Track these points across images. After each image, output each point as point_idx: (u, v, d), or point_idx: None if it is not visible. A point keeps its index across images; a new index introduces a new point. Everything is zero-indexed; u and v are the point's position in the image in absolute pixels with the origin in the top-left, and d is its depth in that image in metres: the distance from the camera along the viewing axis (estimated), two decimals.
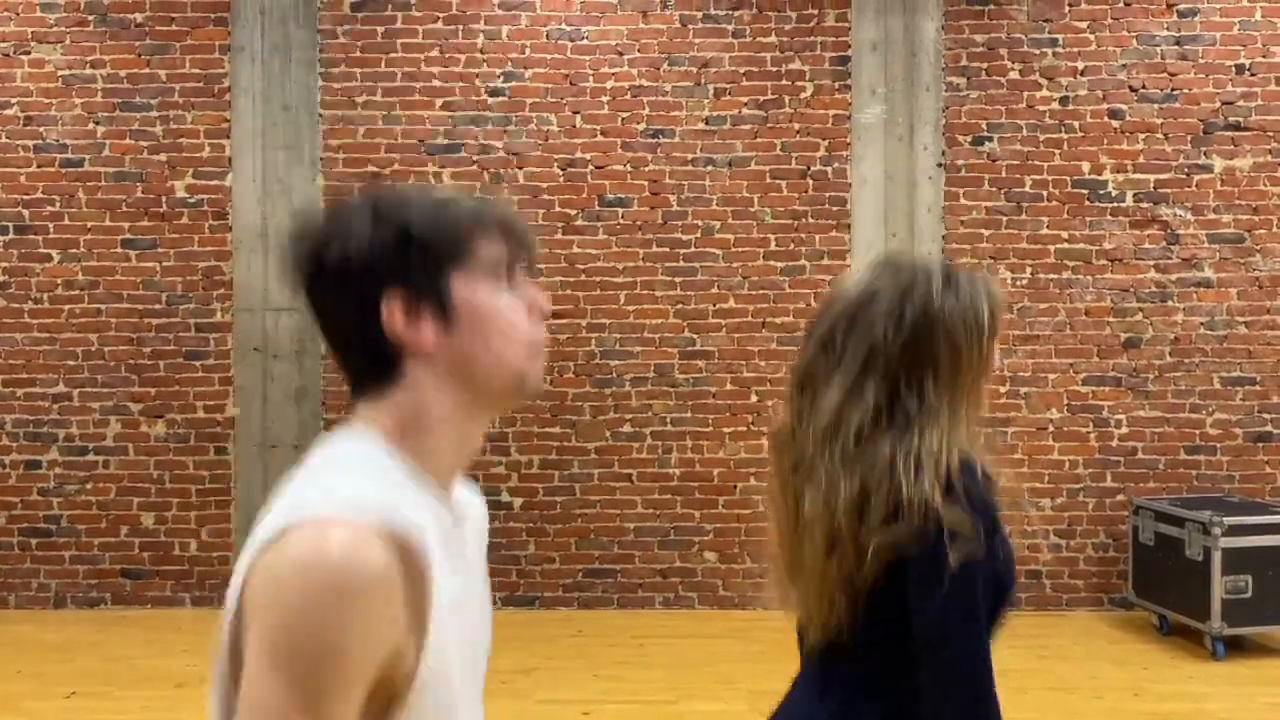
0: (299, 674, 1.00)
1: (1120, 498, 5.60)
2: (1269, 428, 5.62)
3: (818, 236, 5.67)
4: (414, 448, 1.13)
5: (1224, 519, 4.79)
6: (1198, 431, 5.62)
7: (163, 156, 5.70)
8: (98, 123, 5.69)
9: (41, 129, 5.69)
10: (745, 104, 5.67)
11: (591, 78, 5.68)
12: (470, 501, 1.27)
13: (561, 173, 5.69)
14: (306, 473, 1.12)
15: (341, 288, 1.12)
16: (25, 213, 5.70)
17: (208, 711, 1.13)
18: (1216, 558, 4.76)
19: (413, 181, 5.60)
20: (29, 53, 5.69)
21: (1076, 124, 5.62)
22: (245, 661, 1.04)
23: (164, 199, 5.70)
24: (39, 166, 5.70)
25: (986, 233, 5.65)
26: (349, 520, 1.02)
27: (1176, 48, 5.60)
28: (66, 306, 5.70)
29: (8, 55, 5.69)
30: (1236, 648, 4.91)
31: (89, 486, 5.69)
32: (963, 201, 5.64)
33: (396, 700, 1.06)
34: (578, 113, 5.68)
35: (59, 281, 5.70)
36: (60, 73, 5.69)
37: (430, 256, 1.11)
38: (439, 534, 1.12)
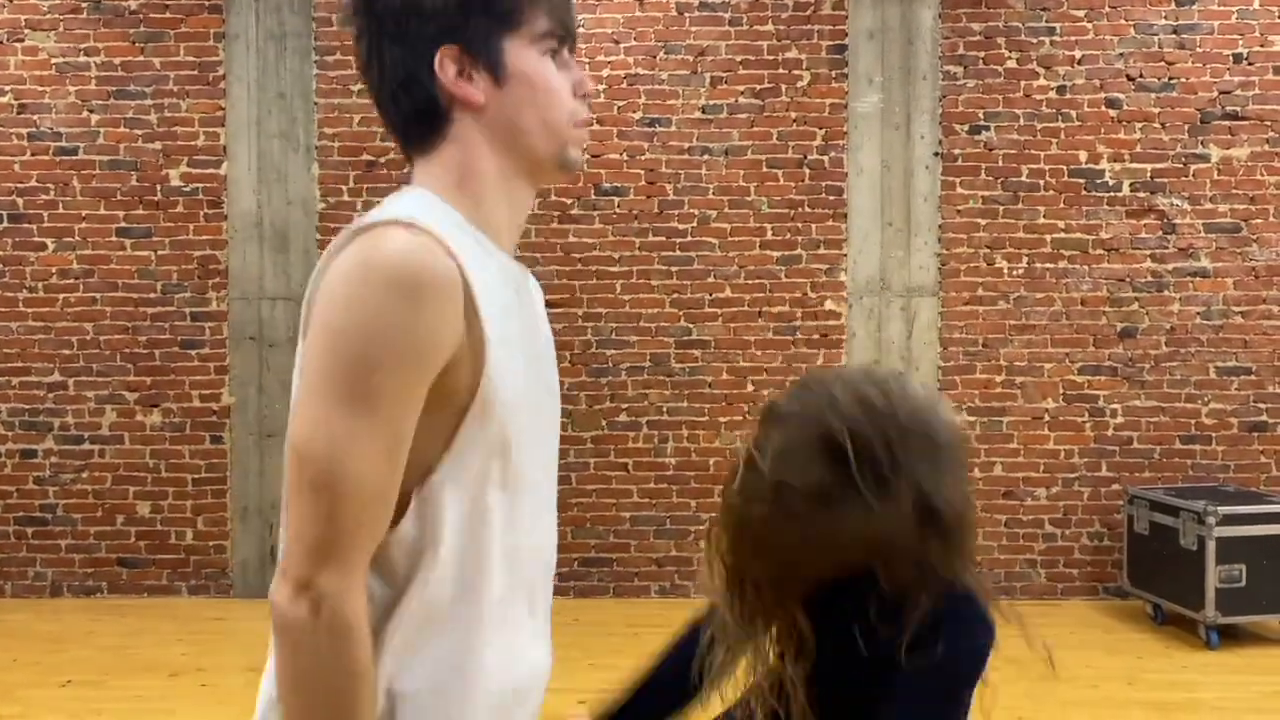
0: (352, 360, 1.03)
1: (1115, 487, 5.61)
2: (1264, 417, 5.62)
3: (814, 226, 5.66)
4: (470, 202, 1.17)
5: (1218, 508, 4.80)
6: (1193, 421, 5.63)
7: (157, 144, 5.68)
8: (92, 111, 5.67)
9: (35, 117, 5.67)
10: (742, 92, 5.65)
11: (587, 66, 5.65)
12: (531, 280, 1.29)
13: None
14: (377, 208, 1.16)
15: (399, 34, 1.16)
16: (19, 201, 5.68)
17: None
18: (1211, 547, 4.77)
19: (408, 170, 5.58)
20: (22, 40, 5.67)
21: (1073, 113, 5.61)
22: (303, 360, 1.08)
23: (159, 187, 5.69)
24: (33, 154, 5.67)
25: (983, 222, 5.64)
26: (412, 225, 1.07)
27: (1174, 36, 5.59)
28: (61, 295, 5.69)
29: (1, 43, 5.66)
30: (1230, 637, 4.93)
31: (85, 475, 5.68)
32: (959, 191, 5.64)
33: (461, 414, 1.08)
34: None
35: (54, 270, 5.69)
36: (54, 60, 5.67)
37: (488, 17, 1.15)
38: (501, 278, 1.15)
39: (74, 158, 5.67)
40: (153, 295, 5.69)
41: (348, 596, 1.04)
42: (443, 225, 1.10)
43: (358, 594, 1.05)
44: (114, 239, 5.69)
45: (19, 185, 5.68)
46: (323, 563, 1.03)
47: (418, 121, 1.19)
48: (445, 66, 1.16)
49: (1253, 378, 5.62)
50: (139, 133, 5.68)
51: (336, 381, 1.03)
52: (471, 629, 1.12)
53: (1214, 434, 5.63)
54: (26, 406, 5.68)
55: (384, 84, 1.19)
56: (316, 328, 1.06)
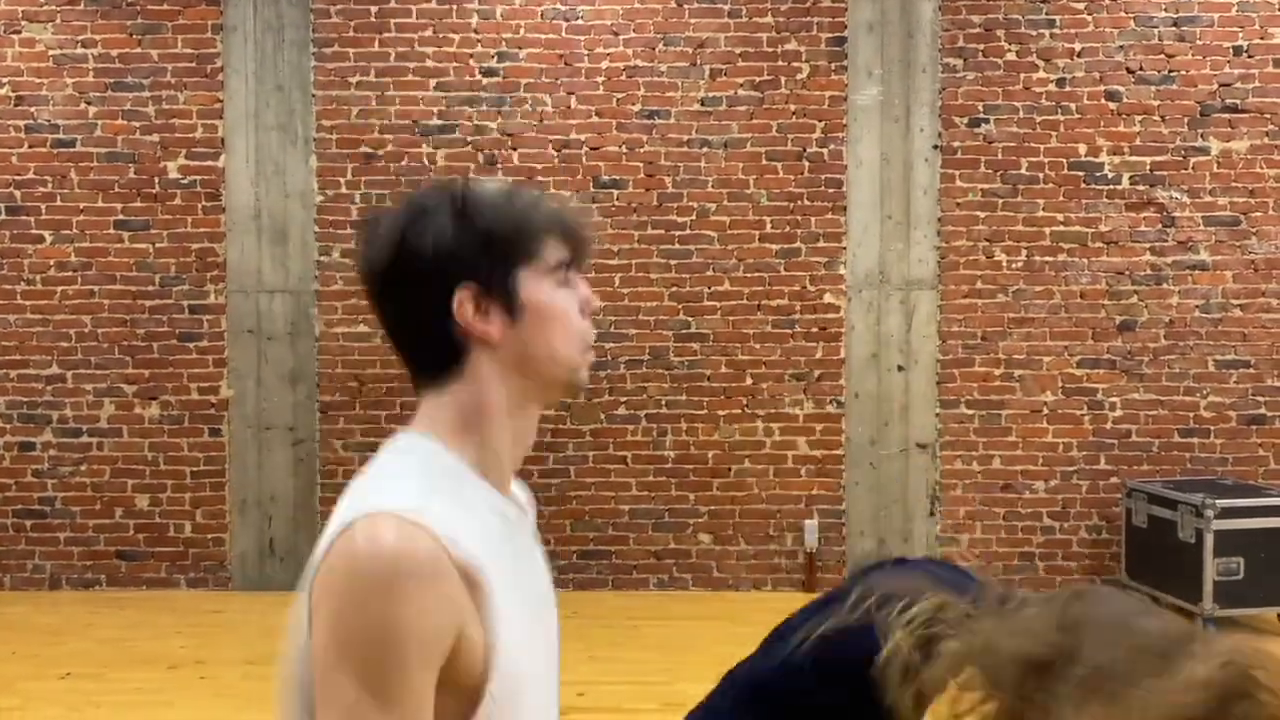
0: (363, 662, 1.03)
1: (1114, 480, 5.61)
2: (1262, 410, 5.63)
3: (813, 219, 5.65)
4: (476, 442, 1.17)
5: (1216, 501, 4.81)
6: (1191, 414, 5.63)
7: (155, 137, 5.66)
8: (89, 103, 5.66)
9: (33, 109, 5.65)
10: (741, 85, 5.64)
11: (586, 58, 5.64)
12: (523, 495, 1.30)
13: (556, 154, 5.67)
14: (370, 474, 1.16)
15: (418, 280, 1.16)
16: (17, 193, 5.67)
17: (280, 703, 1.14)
18: (1209, 540, 4.78)
19: (406, 161, 5.58)
20: (19, 32, 5.65)
21: (1073, 106, 5.60)
22: (316, 671, 1.06)
23: (156, 180, 5.67)
24: (30, 147, 5.66)
25: (982, 215, 5.63)
26: (397, 513, 1.06)
27: (1174, 29, 5.58)
28: (59, 288, 5.68)
29: None
30: (1228, 629, 4.94)
31: (83, 468, 5.68)
32: (959, 184, 5.63)
33: (477, 697, 1.08)
34: (572, 93, 5.65)
35: (51, 263, 5.68)
36: (51, 52, 5.65)
37: (505, 255, 1.16)
38: (503, 531, 1.16)
39: (71, 150, 5.66)
40: (151, 288, 5.68)
41: None
42: (434, 502, 1.09)
43: None
44: (112, 232, 5.68)
45: (16, 177, 5.67)
46: None
47: (434, 360, 1.18)
48: (464, 306, 1.15)
49: (1251, 371, 5.62)
50: (137, 125, 5.66)
51: (356, 694, 1.03)
52: None
53: (1212, 427, 5.63)
54: (25, 399, 5.68)
55: (401, 324, 1.19)
56: (323, 640, 1.05)
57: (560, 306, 1.19)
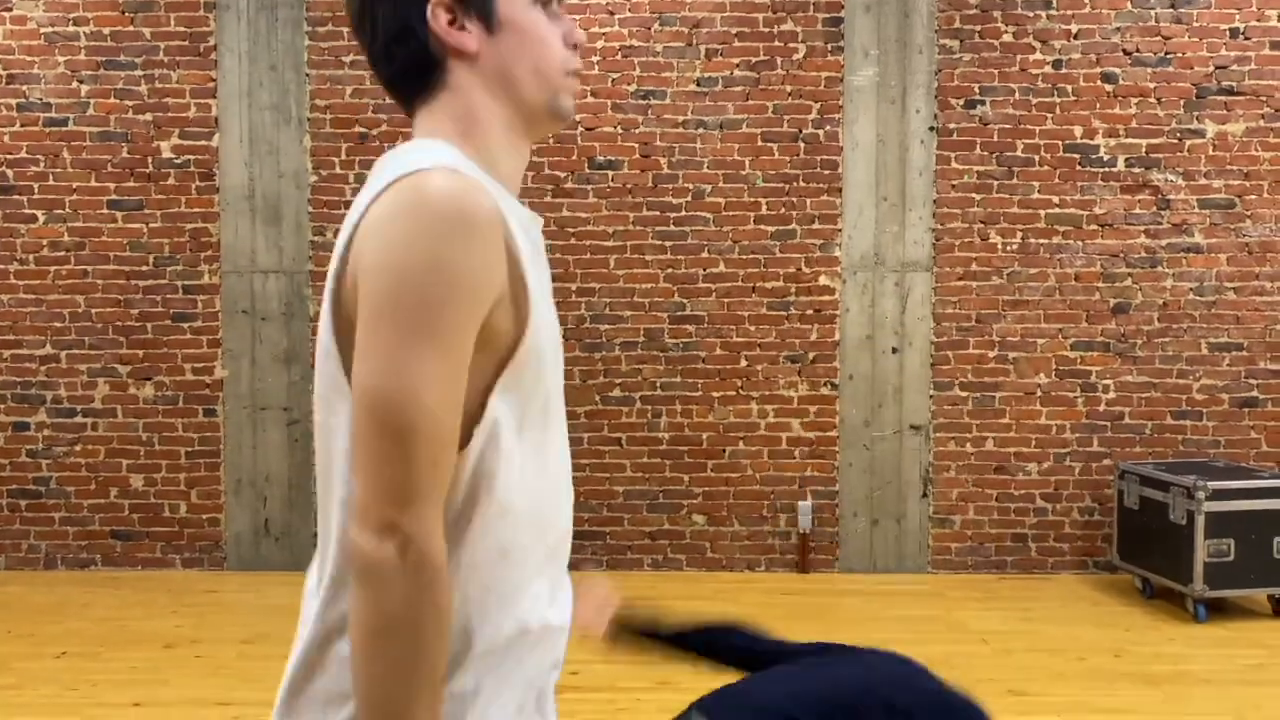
0: (419, 298, 1.03)
1: (1106, 462, 5.64)
2: (1255, 393, 5.65)
3: (809, 200, 5.65)
4: (478, 150, 1.19)
5: (1208, 484, 4.83)
6: (1184, 397, 5.65)
7: (148, 116, 5.63)
8: (81, 81, 5.62)
9: (25, 87, 5.62)
10: (737, 65, 5.62)
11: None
12: (539, 226, 1.32)
13: (551, 134, 5.64)
14: (401, 150, 1.17)
15: None
16: (9, 173, 5.64)
17: (314, 405, 1.17)
18: (1200, 522, 4.80)
19: (400, 142, 5.55)
20: (10, 9, 5.61)
21: (1069, 88, 5.59)
22: (362, 305, 1.06)
23: (150, 159, 5.65)
24: (22, 125, 5.63)
25: (978, 197, 5.63)
26: (457, 169, 1.08)
27: (1170, 10, 5.57)
28: (52, 268, 5.66)
29: None
30: (1218, 610, 4.97)
31: (78, 449, 5.68)
32: (954, 165, 5.63)
33: (503, 363, 1.10)
34: None
35: (44, 243, 5.66)
36: (43, 30, 5.61)
37: None
38: (520, 225, 1.17)
39: (64, 129, 5.63)
40: (144, 268, 5.67)
41: (432, 537, 1.05)
42: (473, 170, 1.12)
43: (439, 534, 1.06)
44: (105, 211, 5.66)
45: (8, 156, 5.64)
46: (405, 504, 1.04)
47: (413, 72, 1.20)
48: (438, 15, 1.17)
49: (1244, 354, 5.64)
50: (129, 104, 5.63)
51: (404, 321, 1.03)
52: (516, 568, 1.15)
53: (1205, 410, 5.65)
54: (19, 379, 5.67)
55: (377, 38, 1.21)
56: (374, 271, 1.05)
57: (539, 28, 1.21)
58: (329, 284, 1.13)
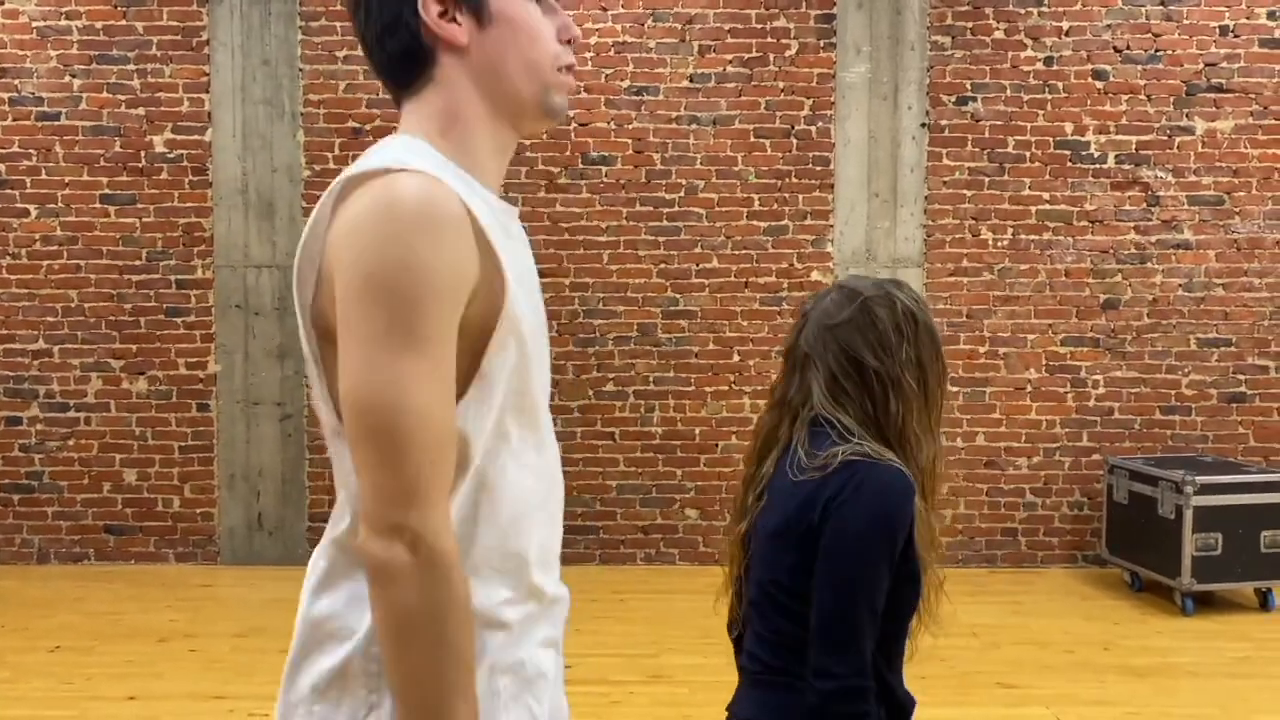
0: (395, 300, 1.05)
1: (1096, 457, 5.67)
2: (1243, 389, 5.69)
3: (801, 196, 5.67)
4: (456, 146, 1.19)
5: (1196, 478, 4.87)
6: (1173, 392, 5.69)
7: (141, 110, 5.63)
8: (74, 75, 5.62)
9: (16, 81, 5.61)
10: (730, 61, 5.64)
11: None
12: (516, 217, 1.32)
13: (543, 130, 5.65)
14: (374, 148, 1.18)
15: None
16: (1, 167, 5.63)
17: (315, 405, 1.18)
18: (1188, 516, 4.84)
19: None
20: (2, 2, 5.59)
21: (1060, 84, 5.62)
22: (339, 312, 1.08)
23: (143, 154, 5.65)
24: (14, 120, 5.62)
25: (969, 193, 5.66)
26: (421, 171, 1.09)
27: (1161, 8, 5.60)
28: (45, 262, 5.66)
29: None
30: (1205, 604, 5.01)
31: (71, 443, 5.68)
32: (945, 162, 5.65)
33: (478, 345, 1.11)
34: None
35: (37, 237, 5.66)
36: (35, 24, 5.60)
37: None
38: (493, 217, 1.18)
39: (56, 123, 5.62)
40: (138, 263, 5.67)
41: (441, 533, 1.06)
42: (434, 168, 1.13)
43: (448, 529, 1.07)
44: (98, 206, 5.65)
45: (0, 151, 5.63)
46: (409, 505, 1.05)
47: (403, 63, 1.20)
48: (428, 7, 1.18)
49: (1233, 349, 5.68)
50: (122, 98, 5.63)
51: (385, 325, 1.04)
52: (508, 540, 1.17)
53: (1193, 405, 5.69)
54: (11, 374, 5.67)
55: (370, 25, 1.21)
56: (351, 277, 1.06)
57: (532, 21, 1.20)
58: (296, 292, 1.14)
